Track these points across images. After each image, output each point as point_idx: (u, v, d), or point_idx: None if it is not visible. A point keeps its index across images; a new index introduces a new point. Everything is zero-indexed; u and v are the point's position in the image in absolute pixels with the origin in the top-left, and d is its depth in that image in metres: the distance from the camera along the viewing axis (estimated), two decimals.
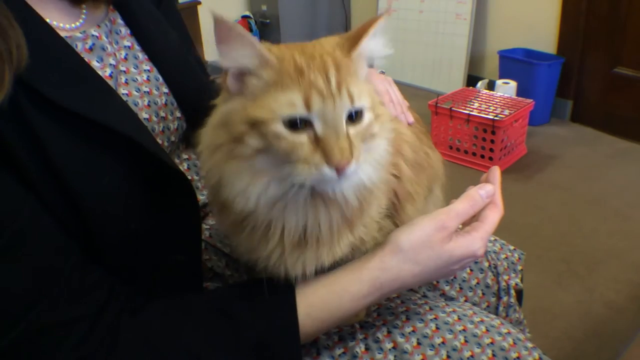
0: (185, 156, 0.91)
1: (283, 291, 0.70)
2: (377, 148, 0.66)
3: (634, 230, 2.36)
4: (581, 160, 3.02)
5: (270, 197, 0.62)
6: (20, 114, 0.59)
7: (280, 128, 0.57)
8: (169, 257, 0.76)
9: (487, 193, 0.76)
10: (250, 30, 4.46)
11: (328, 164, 0.57)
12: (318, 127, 0.58)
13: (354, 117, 0.60)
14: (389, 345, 0.79)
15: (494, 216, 0.76)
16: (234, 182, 0.61)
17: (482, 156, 2.89)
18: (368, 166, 0.64)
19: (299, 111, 0.57)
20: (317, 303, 0.70)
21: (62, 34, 0.69)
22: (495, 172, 0.81)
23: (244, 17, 4.52)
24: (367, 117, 0.62)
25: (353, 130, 0.60)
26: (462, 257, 0.73)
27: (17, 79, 0.58)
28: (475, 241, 0.73)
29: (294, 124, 0.57)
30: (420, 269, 0.72)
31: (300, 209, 0.64)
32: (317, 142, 0.58)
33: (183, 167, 0.90)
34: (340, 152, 0.57)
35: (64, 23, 0.73)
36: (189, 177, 0.83)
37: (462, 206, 0.73)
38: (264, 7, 4.45)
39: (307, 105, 0.57)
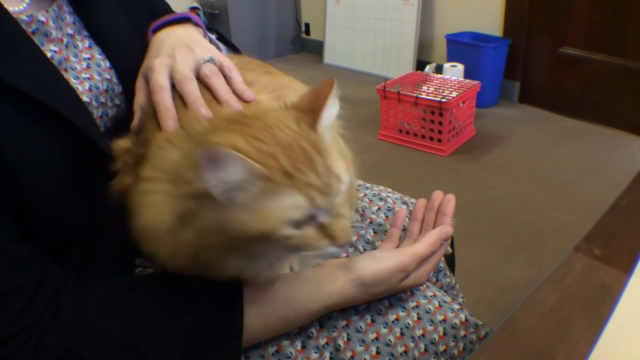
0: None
1: (231, 293, 0.70)
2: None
3: (580, 205, 2.40)
4: (529, 140, 3.07)
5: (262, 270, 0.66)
6: None
7: (288, 231, 0.57)
8: (102, 239, 0.76)
9: (447, 235, 0.81)
10: None
11: (336, 245, 0.61)
12: (322, 217, 0.59)
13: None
14: None
15: (441, 252, 0.82)
16: (228, 266, 0.64)
17: (431, 138, 2.90)
18: None
19: (305, 212, 0.57)
20: (273, 317, 0.72)
21: None
22: (450, 202, 0.87)
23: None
24: (346, 180, 0.63)
25: (340, 200, 0.62)
26: (410, 287, 0.80)
27: None
28: (424, 277, 0.79)
29: (298, 223, 0.58)
30: (371, 298, 0.77)
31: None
32: (321, 228, 0.60)
33: None
34: (345, 232, 0.60)
35: (8, 5, 0.72)
36: None
37: (424, 249, 0.77)
38: None
39: (312, 202, 0.57)
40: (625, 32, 2.99)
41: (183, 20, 0.87)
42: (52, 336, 0.62)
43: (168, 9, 1.06)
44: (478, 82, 2.97)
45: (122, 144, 0.75)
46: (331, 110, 0.65)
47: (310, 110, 0.63)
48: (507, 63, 3.43)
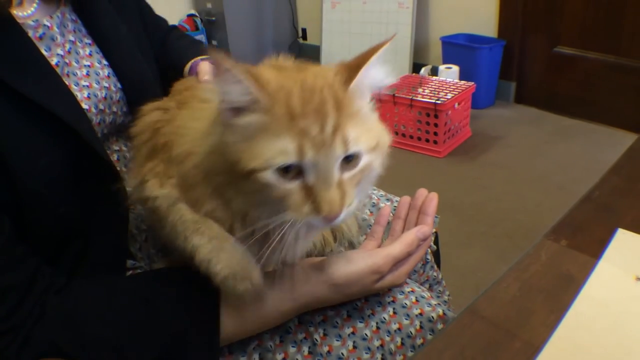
0: (116, 147, 0.93)
1: (209, 293, 0.71)
2: (371, 178, 0.66)
3: None
4: (525, 140, 3.07)
5: (266, 223, 0.61)
6: None
7: (271, 177, 0.55)
8: (95, 242, 0.78)
9: (424, 235, 0.79)
10: (197, 28, 4.41)
11: (317, 215, 0.57)
12: (309, 176, 0.56)
13: (350, 159, 0.58)
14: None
15: (421, 252, 0.80)
16: (233, 204, 0.62)
17: (427, 140, 2.90)
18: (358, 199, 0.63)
19: (290, 160, 0.55)
20: (249, 316, 0.72)
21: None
22: (433, 200, 0.85)
23: (190, 15, 4.46)
24: (365, 160, 0.60)
25: (347, 174, 0.59)
26: (386, 288, 0.79)
27: None
28: (401, 277, 0.78)
29: (285, 171, 0.56)
30: (347, 299, 0.76)
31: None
32: (308, 190, 0.57)
33: (114, 157, 0.92)
34: (330, 205, 0.56)
35: (17, 10, 0.76)
36: (118, 168, 0.86)
37: (399, 251, 0.76)
38: (208, 5, 4.40)
39: (300, 153, 0.54)
40: (619, 30, 2.99)
41: None
42: (37, 334, 0.64)
43: (158, 23, 1.15)
44: (473, 83, 2.98)
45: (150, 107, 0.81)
46: (375, 71, 0.61)
47: (351, 67, 0.59)
48: (503, 64, 3.43)
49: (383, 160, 0.66)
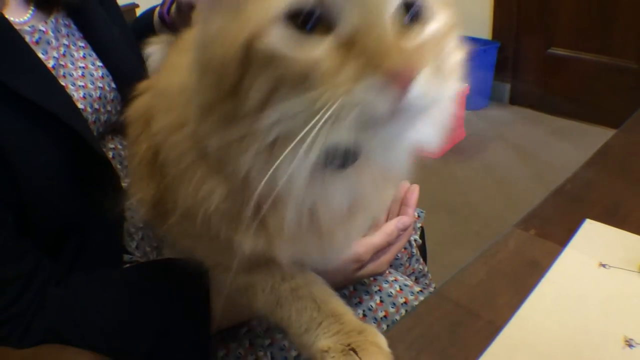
0: (111, 145, 0.96)
1: (200, 284, 0.74)
2: (452, 66, 0.45)
3: None
4: (519, 141, 3.09)
5: (299, 180, 0.41)
6: None
7: (280, 38, 0.36)
8: (93, 237, 0.82)
9: (404, 225, 0.81)
10: None
11: (373, 73, 0.34)
12: (344, 22, 0.36)
13: (413, 14, 0.38)
14: None
15: (402, 242, 0.82)
16: (241, 166, 0.44)
17: None
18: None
19: None
20: (238, 307, 0.74)
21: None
22: (414, 193, 0.88)
23: None
24: (440, 19, 0.40)
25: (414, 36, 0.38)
26: (368, 276, 0.81)
27: None
28: (383, 266, 0.79)
29: (303, 22, 0.36)
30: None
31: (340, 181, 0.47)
32: (348, 47, 0.36)
33: (109, 155, 0.95)
34: (397, 51, 0.34)
35: (13, 17, 0.80)
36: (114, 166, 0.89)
37: (379, 240, 0.77)
38: None
39: None
40: (612, 31, 3.02)
41: None
42: (37, 322, 0.68)
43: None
44: (466, 85, 3.01)
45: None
46: None
47: None
48: (497, 65, 3.46)
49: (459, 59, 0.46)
